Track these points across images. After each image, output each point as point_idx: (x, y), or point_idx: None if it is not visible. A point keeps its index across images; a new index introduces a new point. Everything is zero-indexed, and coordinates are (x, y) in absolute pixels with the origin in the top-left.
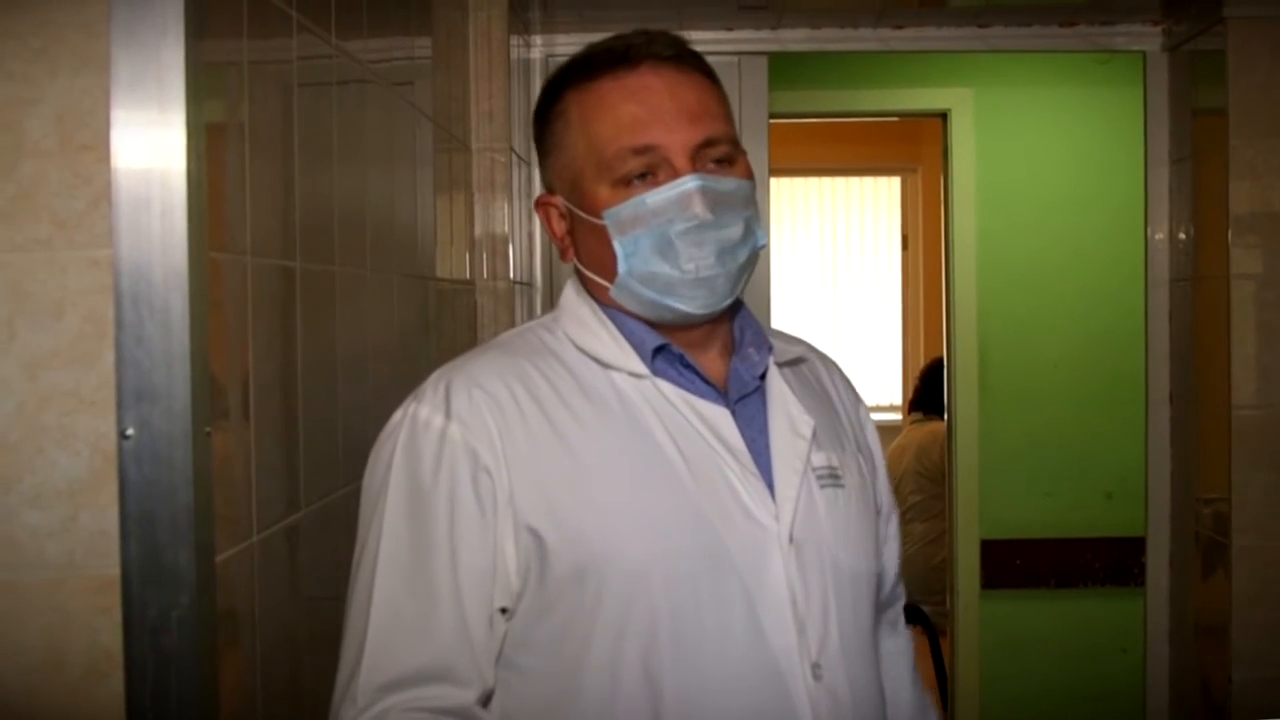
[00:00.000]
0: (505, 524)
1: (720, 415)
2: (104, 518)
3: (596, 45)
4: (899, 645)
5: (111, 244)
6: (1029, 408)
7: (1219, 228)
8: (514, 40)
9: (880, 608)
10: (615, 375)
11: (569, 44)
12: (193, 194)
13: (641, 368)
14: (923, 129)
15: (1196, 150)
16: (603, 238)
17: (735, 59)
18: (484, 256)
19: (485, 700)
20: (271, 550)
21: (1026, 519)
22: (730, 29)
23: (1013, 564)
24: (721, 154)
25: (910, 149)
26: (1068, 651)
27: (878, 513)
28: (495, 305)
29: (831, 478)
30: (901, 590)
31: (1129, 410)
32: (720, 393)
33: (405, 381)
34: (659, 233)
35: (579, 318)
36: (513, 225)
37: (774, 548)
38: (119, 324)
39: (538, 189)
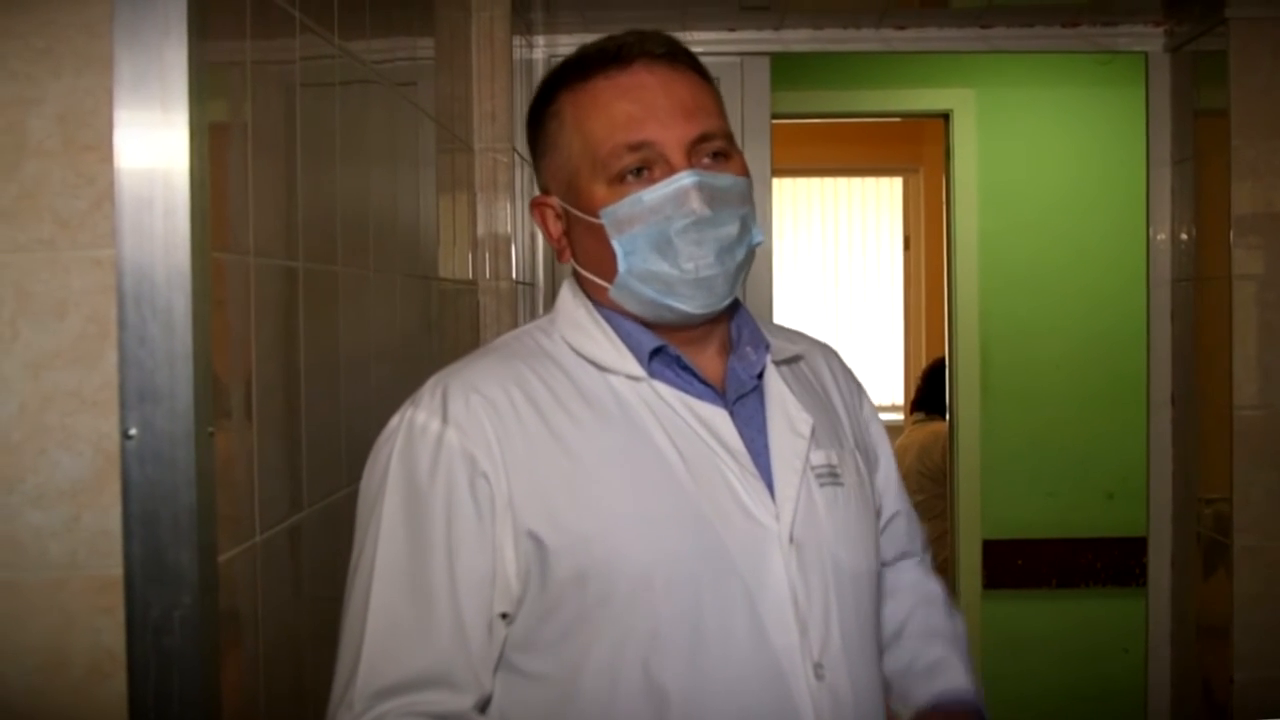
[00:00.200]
0: (504, 529)
1: (718, 416)
2: (107, 518)
3: (589, 46)
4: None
5: (114, 244)
6: (1031, 408)
7: (1221, 228)
8: (516, 40)
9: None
10: (612, 378)
11: (571, 44)
12: (195, 194)
13: (639, 370)
14: (925, 129)
15: (1198, 151)
16: (600, 237)
17: (738, 59)
18: (486, 256)
19: (483, 706)
20: (274, 550)
21: (1028, 519)
22: (733, 29)
23: (1014, 564)
24: (717, 149)
25: (912, 149)
26: (1069, 651)
27: (878, 513)
28: (498, 305)
29: (831, 476)
30: (925, 540)
31: (1131, 410)
32: (718, 393)
33: (407, 381)
34: (657, 230)
35: (575, 320)
36: (515, 225)
37: (774, 548)
38: (122, 324)
39: (538, 190)
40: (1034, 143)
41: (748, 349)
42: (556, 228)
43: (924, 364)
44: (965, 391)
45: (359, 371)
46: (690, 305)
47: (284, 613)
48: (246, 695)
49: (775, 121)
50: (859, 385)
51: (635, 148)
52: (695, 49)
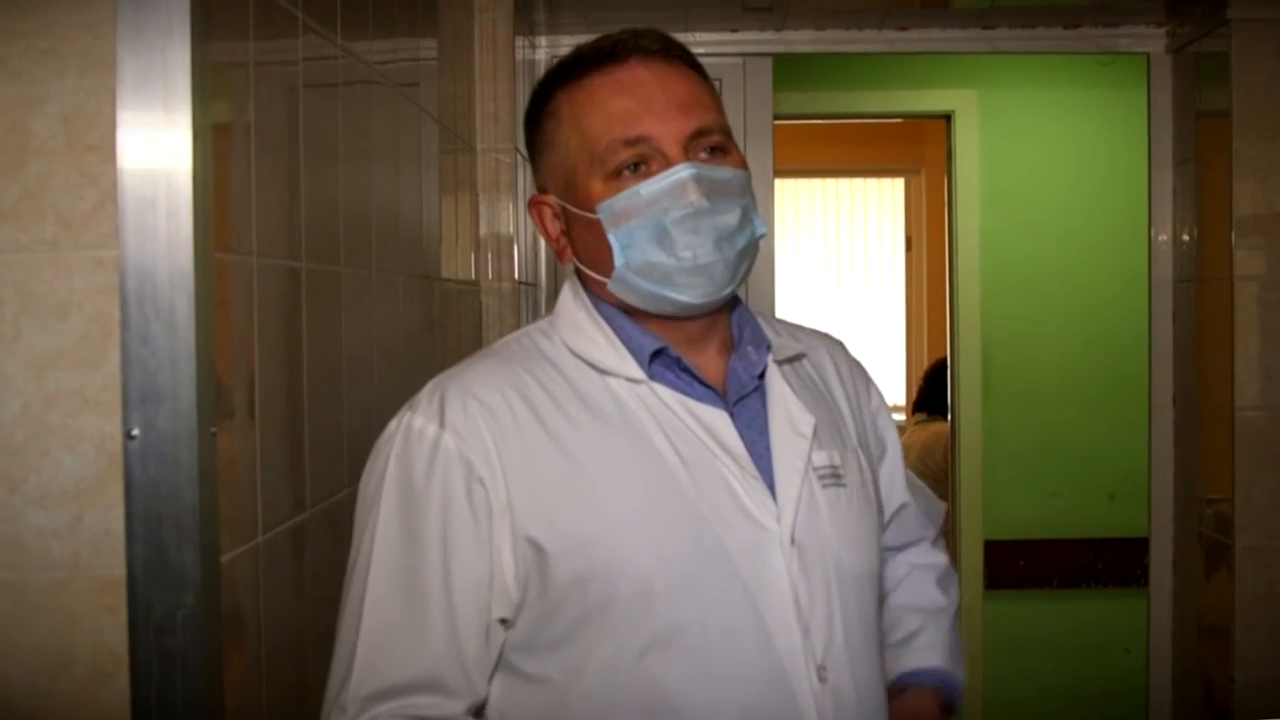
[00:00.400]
0: (502, 534)
1: (719, 418)
2: (109, 518)
3: (585, 45)
4: (933, 559)
5: (117, 244)
6: (1032, 409)
7: (1222, 229)
8: (519, 41)
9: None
10: (612, 381)
11: (574, 45)
12: (198, 195)
13: (638, 373)
14: (926, 130)
15: (1200, 152)
16: (598, 232)
17: (740, 60)
18: (489, 257)
19: (476, 710)
20: (276, 550)
21: (1030, 520)
22: (735, 30)
23: (1016, 564)
24: (714, 143)
25: (914, 150)
26: (1071, 652)
27: (882, 509)
28: (500, 306)
29: (833, 477)
30: (939, 521)
31: (1132, 411)
32: (719, 395)
33: (410, 382)
34: (654, 222)
35: (575, 322)
36: (517, 226)
37: (775, 549)
38: (124, 324)
39: (536, 190)
40: (1036, 144)
41: (749, 348)
42: (555, 227)
43: (926, 365)
44: (967, 392)
45: (361, 372)
46: (689, 295)
47: (286, 613)
48: (249, 695)
49: (777, 122)
50: (867, 376)
51: (632, 143)
52: (697, 50)
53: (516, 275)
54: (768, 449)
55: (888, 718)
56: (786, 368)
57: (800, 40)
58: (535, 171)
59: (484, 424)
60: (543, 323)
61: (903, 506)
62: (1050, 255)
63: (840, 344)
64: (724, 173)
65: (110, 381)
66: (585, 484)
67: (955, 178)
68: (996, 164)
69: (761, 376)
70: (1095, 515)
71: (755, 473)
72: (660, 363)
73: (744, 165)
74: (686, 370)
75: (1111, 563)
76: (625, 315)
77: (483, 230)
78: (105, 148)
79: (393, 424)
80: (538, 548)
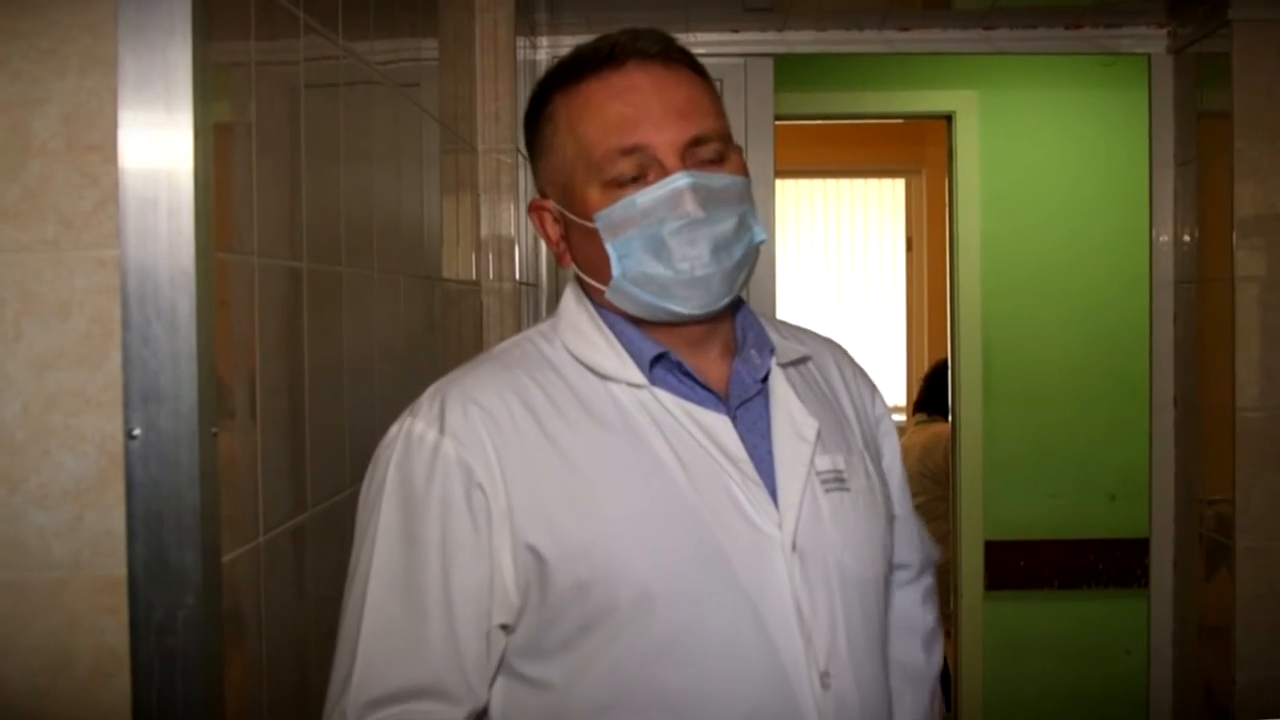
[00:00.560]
0: (502, 540)
1: (720, 423)
2: (110, 518)
3: (583, 47)
4: (921, 616)
5: (118, 244)
6: (1033, 409)
7: (1223, 230)
8: (520, 41)
9: (899, 580)
10: (613, 386)
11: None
12: (199, 195)
13: (640, 378)
14: (927, 131)
15: (1201, 152)
16: (595, 241)
17: (741, 61)
18: (490, 257)
19: (477, 717)
20: (277, 551)
21: (1030, 520)
22: (736, 31)
23: (1016, 565)
24: (713, 151)
25: (915, 151)
26: (1071, 653)
27: (891, 517)
28: (501, 306)
29: (837, 481)
30: (928, 555)
31: (1133, 412)
32: (720, 399)
33: (411, 382)
34: (651, 233)
35: (577, 326)
36: (518, 226)
37: (777, 556)
38: (125, 324)
39: (536, 193)
40: (1037, 144)
41: (752, 352)
42: (555, 231)
43: (926, 365)
44: (968, 392)
45: (362, 372)
46: (686, 306)
47: (287, 613)
48: (249, 696)
49: (778, 123)
50: (871, 383)
51: (628, 151)
52: (698, 50)
53: (517, 276)
54: (770, 453)
55: None
56: (791, 371)
57: (801, 41)
58: (535, 175)
59: (484, 429)
60: (544, 326)
61: (893, 520)
62: (1051, 256)
63: (845, 350)
64: (721, 180)
65: (111, 381)
66: (585, 490)
67: (956, 178)
68: (997, 164)
69: (765, 380)
70: (1096, 516)
71: (756, 478)
72: (662, 367)
73: (744, 170)
74: (688, 375)
75: (1112, 563)
76: (626, 320)
77: (484, 230)
78: (106, 148)
79: (394, 429)
80: (537, 554)
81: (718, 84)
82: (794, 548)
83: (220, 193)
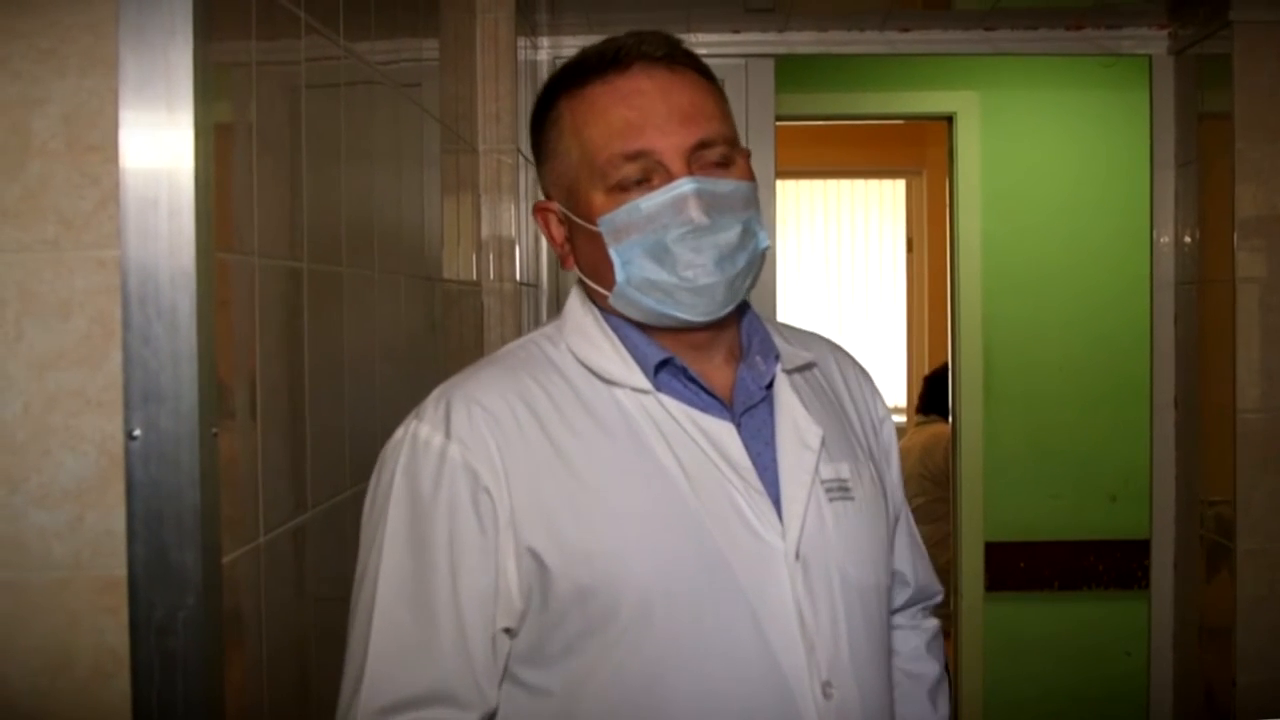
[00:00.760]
0: (507, 543)
1: (724, 431)
2: (111, 518)
3: (589, 49)
4: (922, 669)
5: (119, 244)
6: (1033, 410)
7: (1224, 231)
8: (521, 42)
9: (899, 605)
10: (618, 391)
11: (576, 46)
12: (200, 195)
13: (644, 383)
14: (928, 132)
15: (1202, 154)
16: (599, 245)
17: (742, 61)
18: (490, 258)
19: None
20: (278, 551)
21: (1031, 521)
22: (737, 31)
23: (1017, 566)
24: (718, 155)
25: (915, 152)
26: (1071, 654)
27: (896, 520)
28: (501, 307)
29: (841, 490)
30: (929, 585)
31: (1133, 413)
32: (725, 406)
33: (411, 383)
34: (655, 239)
35: (582, 329)
36: (519, 227)
37: (780, 565)
38: (126, 324)
39: (542, 195)
40: (1037, 145)
41: (757, 358)
42: (559, 233)
43: (927, 366)
44: (968, 393)
45: (363, 372)
46: (690, 313)
47: (287, 614)
48: (250, 696)
49: (779, 124)
50: (874, 388)
51: (633, 156)
52: (699, 51)
53: (518, 276)
54: (774, 460)
55: None
56: (796, 377)
57: (802, 41)
58: (540, 177)
59: (489, 432)
60: (549, 329)
61: (895, 526)
62: (1052, 257)
63: (850, 356)
64: (726, 186)
65: (112, 382)
66: (587, 496)
67: (957, 179)
68: (998, 165)
69: (769, 386)
70: (1096, 517)
71: (760, 487)
72: (667, 372)
73: (750, 175)
74: (693, 380)
75: (1112, 564)
76: (631, 324)
77: (484, 231)
78: (107, 148)
79: (399, 432)
80: (539, 558)
81: None
82: (797, 557)
83: (221, 193)
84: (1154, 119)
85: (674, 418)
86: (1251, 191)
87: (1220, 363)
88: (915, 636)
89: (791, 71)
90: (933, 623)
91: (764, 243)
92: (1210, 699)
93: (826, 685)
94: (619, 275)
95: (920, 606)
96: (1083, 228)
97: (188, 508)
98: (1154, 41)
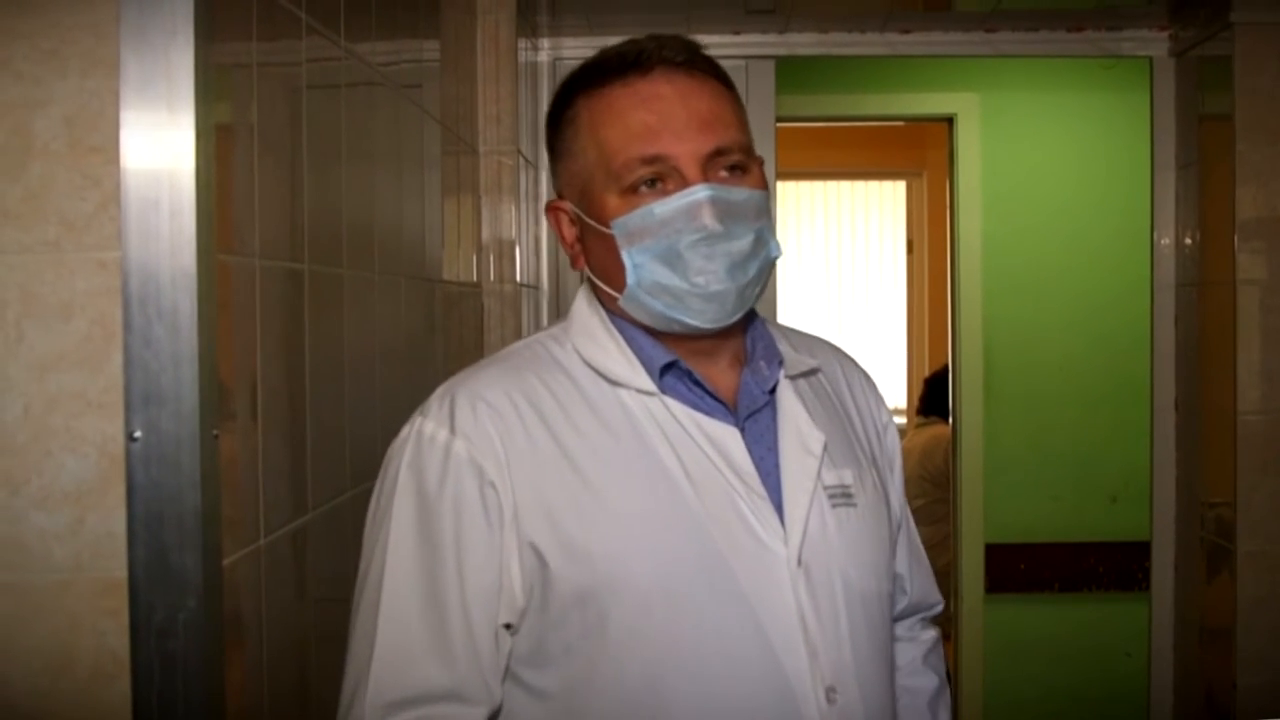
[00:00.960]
0: (510, 539)
1: (728, 435)
2: (111, 520)
3: (609, 49)
4: (921, 682)
5: (120, 246)
6: (1034, 412)
7: (1225, 233)
8: (522, 43)
9: (899, 614)
10: (623, 392)
11: (576, 47)
12: (201, 196)
13: (650, 385)
14: (928, 133)
15: (1203, 155)
16: (611, 247)
17: (743, 63)
18: (491, 259)
19: (494, 717)
20: (278, 553)
21: (1031, 523)
22: (738, 32)
23: (1017, 568)
24: (734, 163)
25: (916, 153)
26: (1072, 655)
27: (898, 527)
28: (502, 308)
29: (844, 496)
30: (927, 595)
31: (1134, 414)
32: (729, 410)
33: (412, 384)
34: (667, 244)
35: (588, 330)
36: (519, 228)
37: (782, 571)
38: (127, 326)
39: (545, 192)
40: (1038, 147)
41: (761, 363)
42: (570, 233)
43: (927, 367)
44: (968, 395)
45: (364, 374)
46: (699, 320)
47: (288, 616)
48: (250, 698)
49: (779, 125)
50: (880, 397)
51: (649, 160)
52: None
53: (518, 278)
54: (777, 466)
55: None
56: (800, 383)
57: (803, 43)
58: (554, 175)
59: (493, 428)
60: (556, 329)
61: (897, 531)
62: (1052, 258)
63: (854, 361)
64: (741, 194)
65: (112, 383)
66: (590, 495)
67: (957, 180)
68: (998, 167)
69: (773, 391)
70: (1096, 518)
71: (763, 492)
72: (672, 375)
73: (763, 184)
74: (698, 384)
75: (1113, 566)
76: (637, 326)
77: (484, 233)
78: (108, 149)
79: (405, 430)
80: (540, 557)
81: None
82: (799, 563)
83: (222, 194)
84: (1154, 121)
85: (678, 420)
86: (1252, 193)
87: (1221, 364)
88: (912, 649)
89: (792, 73)
90: (931, 634)
91: (775, 252)
92: (1210, 700)
93: (830, 690)
94: (630, 278)
95: (919, 617)
96: (1083, 229)
97: (188, 510)
98: (1155, 43)
